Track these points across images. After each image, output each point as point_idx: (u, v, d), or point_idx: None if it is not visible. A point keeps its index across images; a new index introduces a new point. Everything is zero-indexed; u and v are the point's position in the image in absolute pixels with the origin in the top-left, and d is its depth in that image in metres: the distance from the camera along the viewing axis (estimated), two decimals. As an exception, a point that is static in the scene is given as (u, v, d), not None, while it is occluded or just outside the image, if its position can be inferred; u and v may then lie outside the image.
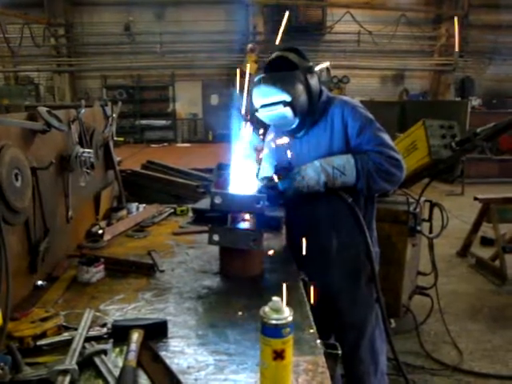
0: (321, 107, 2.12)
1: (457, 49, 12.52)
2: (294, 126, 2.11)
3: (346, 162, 2.00)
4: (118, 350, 1.39)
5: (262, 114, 2.09)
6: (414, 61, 13.76)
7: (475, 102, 12.50)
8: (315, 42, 13.03)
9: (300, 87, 2.03)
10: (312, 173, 1.99)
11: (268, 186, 2.04)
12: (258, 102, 2.07)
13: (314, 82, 2.09)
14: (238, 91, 2.22)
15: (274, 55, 2.12)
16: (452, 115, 7.62)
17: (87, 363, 1.31)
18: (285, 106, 2.01)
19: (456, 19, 11.30)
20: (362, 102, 2.21)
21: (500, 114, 8.29)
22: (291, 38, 11.59)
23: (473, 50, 13.76)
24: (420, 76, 14.31)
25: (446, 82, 13.87)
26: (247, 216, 1.97)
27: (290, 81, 2.02)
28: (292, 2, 12.47)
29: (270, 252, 2.05)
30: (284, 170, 2.07)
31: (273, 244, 2.33)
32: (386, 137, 2.07)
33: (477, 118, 9.11)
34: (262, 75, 2.06)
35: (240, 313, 1.64)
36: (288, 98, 2.00)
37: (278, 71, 2.04)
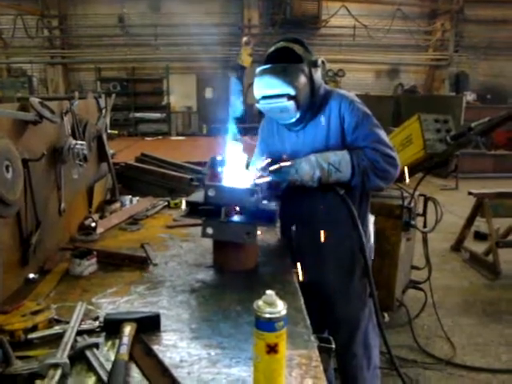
0: (319, 101, 2.10)
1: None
2: (294, 119, 2.09)
3: (341, 158, 1.98)
4: (110, 343, 1.38)
5: (263, 106, 2.06)
6: (408, 55, 13.76)
7: (470, 96, 12.52)
8: (310, 35, 12.97)
9: (305, 81, 1.99)
10: (307, 167, 1.97)
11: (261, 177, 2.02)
12: (259, 92, 2.03)
13: (317, 76, 2.06)
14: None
15: (278, 45, 2.07)
16: (447, 110, 7.63)
17: (79, 357, 1.29)
18: (289, 99, 1.97)
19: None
20: (357, 95, 2.19)
21: (494, 109, 8.32)
22: (286, 32, 11.57)
23: (468, 45, 13.78)
24: (415, 70, 14.31)
25: (440, 76, 13.89)
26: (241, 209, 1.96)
27: (295, 74, 1.97)
28: (287, -6, 12.42)
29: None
30: (278, 162, 2.05)
31: (267, 237, 2.33)
32: (382, 133, 2.06)
33: (471, 112, 9.15)
34: (266, 66, 2.02)
35: (233, 306, 1.63)
36: (292, 92, 1.96)
37: (281, 62, 2.00)
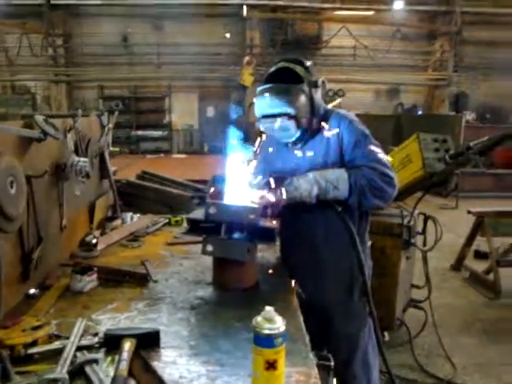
0: (318, 120, 2.13)
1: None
2: (294, 138, 2.12)
3: (339, 176, 2.00)
4: (109, 359, 1.39)
5: (264, 125, 2.10)
6: (408, 75, 13.89)
7: (469, 116, 12.60)
8: (312, 55, 13.11)
9: (305, 101, 2.03)
10: (305, 184, 1.98)
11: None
12: (260, 111, 2.07)
13: (317, 96, 2.09)
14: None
15: (279, 65, 2.11)
16: (447, 129, 7.69)
17: (78, 372, 1.30)
18: (289, 119, 2.00)
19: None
20: (357, 115, 2.22)
21: (493, 129, 8.38)
22: (288, 52, 11.72)
23: (467, 66, 13.92)
24: (414, 90, 14.43)
25: (440, 96, 14.00)
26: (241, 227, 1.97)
27: (295, 94, 2.01)
28: (289, 16, 12.59)
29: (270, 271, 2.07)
30: (277, 180, 2.07)
31: (267, 255, 2.34)
32: (381, 153, 2.07)
33: (471, 131, 9.20)
34: (267, 85, 2.05)
35: (232, 323, 1.63)
36: (292, 112, 1.99)
37: (281, 82, 2.03)
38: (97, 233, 2.67)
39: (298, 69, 2.07)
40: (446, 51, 13.64)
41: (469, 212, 5.24)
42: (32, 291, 1.88)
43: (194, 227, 2.05)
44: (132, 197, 3.58)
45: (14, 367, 1.27)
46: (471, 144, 3.07)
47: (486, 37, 13.52)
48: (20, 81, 13.46)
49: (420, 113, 13.53)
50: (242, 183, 2.08)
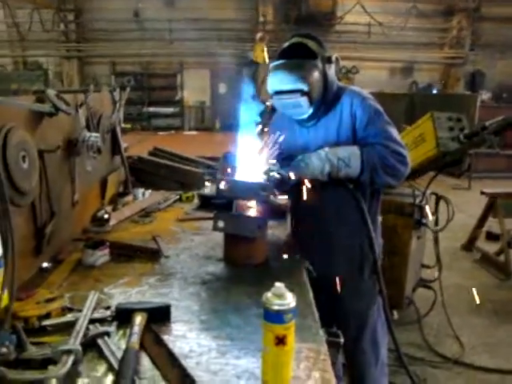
0: (331, 97, 2.10)
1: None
2: (306, 115, 2.10)
3: (351, 153, 1.98)
4: (121, 332, 1.41)
5: (277, 101, 2.08)
6: (423, 53, 13.63)
7: (485, 95, 12.35)
8: (325, 32, 12.90)
9: (318, 77, 1.99)
10: (317, 161, 1.96)
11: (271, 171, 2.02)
12: (273, 87, 2.04)
13: (331, 72, 2.06)
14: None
15: (292, 40, 2.07)
16: (461, 108, 7.55)
17: (90, 344, 1.32)
18: (302, 95, 1.98)
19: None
20: (370, 93, 2.18)
21: (509, 109, 8.22)
22: (301, 28, 11.53)
23: (484, 44, 13.61)
24: (430, 69, 14.17)
25: (456, 75, 13.75)
26: (252, 203, 1.97)
27: (308, 70, 1.98)
28: (302, -10, 12.38)
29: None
30: (289, 157, 2.06)
31: (277, 232, 2.34)
32: (394, 131, 2.05)
33: (486, 111, 9.02)
34: (280, 61, 2.02)
35: (242, 299, 1.64)
36: (306, 88, 1.96)
37: (294, 58, 2.00)
38: (108, 208, 2.69)
39: (311, 44, 2.03)
40: (464, 28, 13.33)
41: (482, 193, 5.18)
42: (45, 265, 1.90)
43: (205, 203, 2.05)
44: (144, 173, 3.58)
45: (28, 338, 1.29)
46: (486, 124, 3.01)
47: (505, 13, 13.16)
48: (32, 56, 13.44)
49: (435, 92, 13.28)
50: (253, 160, 2.07)
